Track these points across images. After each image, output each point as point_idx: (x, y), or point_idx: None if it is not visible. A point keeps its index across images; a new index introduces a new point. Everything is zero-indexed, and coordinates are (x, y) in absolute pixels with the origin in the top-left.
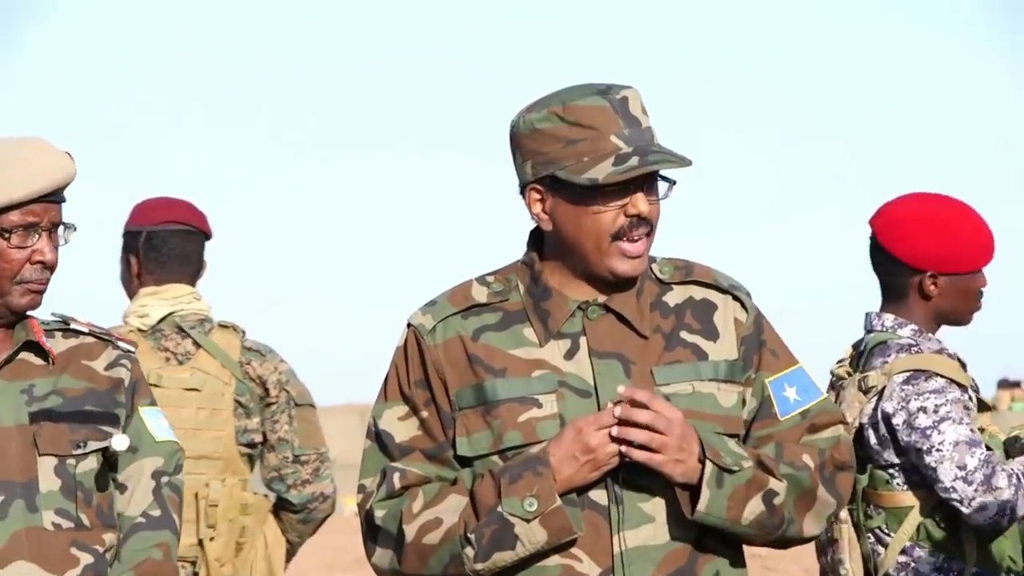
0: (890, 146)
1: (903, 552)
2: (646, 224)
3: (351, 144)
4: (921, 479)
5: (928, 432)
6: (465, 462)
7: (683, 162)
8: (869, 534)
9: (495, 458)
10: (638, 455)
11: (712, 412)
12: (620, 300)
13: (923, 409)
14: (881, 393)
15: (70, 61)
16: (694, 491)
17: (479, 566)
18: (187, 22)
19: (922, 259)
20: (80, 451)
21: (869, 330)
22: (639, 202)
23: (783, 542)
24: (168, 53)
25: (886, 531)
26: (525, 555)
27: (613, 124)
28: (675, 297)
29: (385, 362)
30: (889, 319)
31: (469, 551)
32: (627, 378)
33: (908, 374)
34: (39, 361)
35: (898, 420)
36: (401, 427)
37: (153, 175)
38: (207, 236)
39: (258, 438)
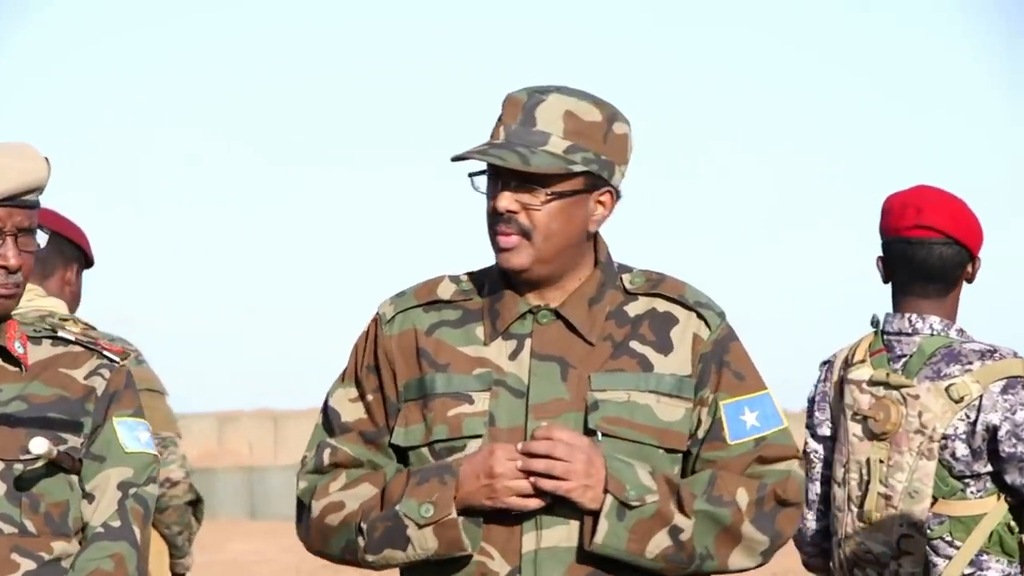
0: (888, 156)
1: (970, 562)
2: (512, 223)
3: (346, 147)
4: (999, 484)
5: None
6: (401, 454)
7: (519, 161)
8: (927, 545)
9: (425, 451)
10: (546, 484)
11: (645, 423)
12: (571, 306)
13: None
14: (979, 404)
15: (52, 64)
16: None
17: (370, 557)
18: (172, 28)
19: (979, 244)
20: (28, 456)
21: (902, 332)
22: (500, 198)
23: (708, 574)
24: (137, 64)
25: (950, 539)
26: (416, 559)
27: (511, 116)
28: (637, 308)
29: None
30: (936, 321)
31: (361, 541)
32: (563, 381)
33: (1004, 382)
34: (13, 367)
35: (1003, 431)
36: (349, 408)
37: (137, 180)
38: (63, 238)
39: None
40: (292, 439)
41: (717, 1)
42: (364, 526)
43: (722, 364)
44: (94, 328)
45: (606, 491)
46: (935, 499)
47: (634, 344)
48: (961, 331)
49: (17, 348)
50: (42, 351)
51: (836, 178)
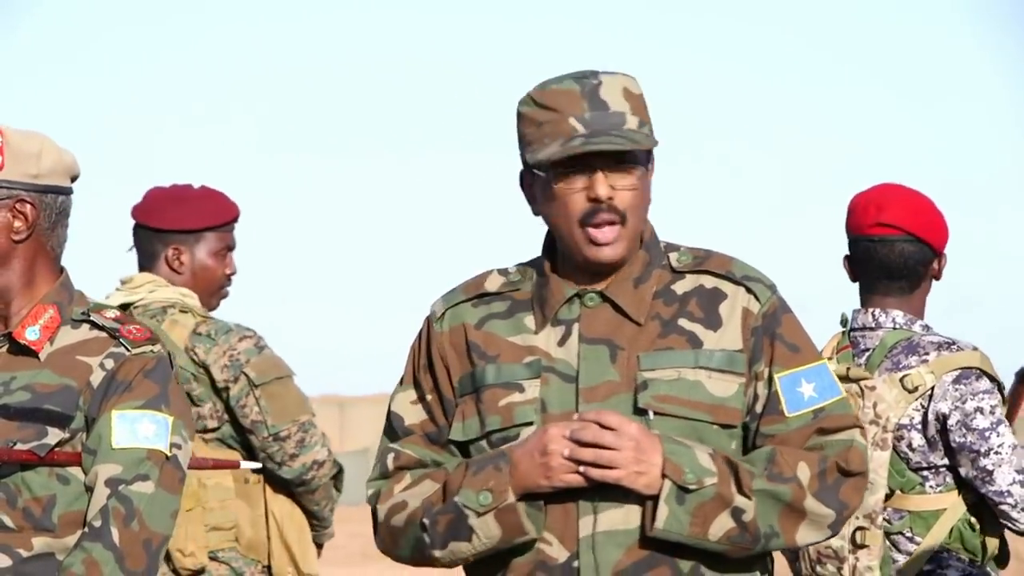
0: (892, 144)
1: (930, 558)
2: (611, 210)
3: (390, 136)
4: (958, 481)
5: (987, 434)
6: (462, 449)
7: (630, 142)
8: (886, 540)
9: (483, 443)
10: (594, 473)
11: (697, 400)
12: (616, 287)
13: (980, 410)
14: (931, 393)
15: (57, 58)
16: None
17: (437, 553)
18: (187, 19)
19: (943, 242)
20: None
21: (866, 327)
22: (597, 185)
23: (770, 551)
24: (177, 48)
25: (910, 535)
26: (483, 548)
27: (576, 107)
28: (684, 286)
29: None
30: (899, 316)
31: (426, 537)
32: (612, 363)
33: (958, 373)
34: (31, 355)
35: (953, 420)
36: (411, 410)
37: (208, 169)
38: (155, 229)
39: (213, 423)
40: (358, 425)
41: None
42: (426, 521)
43: (775, 337)
44: (205, 318)
45: (664, 475)
46: (891, 491)
47: (682, 322)
48: (926, 326)
49: (29, 335)
50: (76, 335)
51: (839, 171)
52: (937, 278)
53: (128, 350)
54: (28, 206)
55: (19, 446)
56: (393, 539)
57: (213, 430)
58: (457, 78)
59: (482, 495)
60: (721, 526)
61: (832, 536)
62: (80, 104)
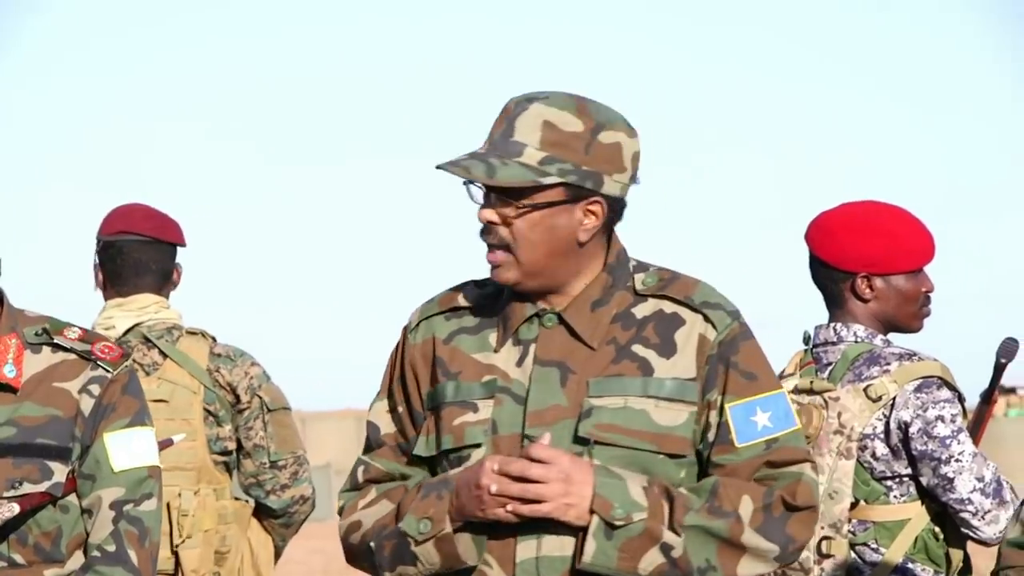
0: (893, 158)
1: (894, 569)
2: (494, 235)
3: (365, 147)
4: (921, 491)
5: (948, 442)
6: (429, 463)
7: (462, 170)
8: (851, 551)
9: (443, 461)
10: (523, 509)
11: (642, 429)
12: (573, 310)
13: (941, 418)
14: (893, 402)
15: (60, 61)
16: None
17: (387, 575)
18: (185, 24)
19: (852, 261)
20: (13, 492)
21: (828, 341)
22: (481, 210)
23: None
24: (160, 55)
25: (875, 546)
26: (427, 573)
27: (496, 127)
28: (644, 310)
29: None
30: (860, 330)
31: (375, 559)
32: (561, 387)
33: (919, 382)
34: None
35: (914, 428)
36: (385, 420)
37: (148, 180)
38: (170, 244)
39: (231, 445)
40: (319, 441)
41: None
42: (373, 545)
43: (729, 365)
44: (214, 339)
45: (592, 510)
46: (856, 501)
47: (636, 348)
48: (887, 340)
49: (8, 373)
50: (41, 360)
51: (842, 181)
52: (863, 300)
53: (109, 372)
54: None
55: (27, 487)
56: (353, 554)
57: (230, 453)
58: (468, 83)
59: (422, 523)
60: (651, 561)
61: (784, 566)
62: (77, 108)
